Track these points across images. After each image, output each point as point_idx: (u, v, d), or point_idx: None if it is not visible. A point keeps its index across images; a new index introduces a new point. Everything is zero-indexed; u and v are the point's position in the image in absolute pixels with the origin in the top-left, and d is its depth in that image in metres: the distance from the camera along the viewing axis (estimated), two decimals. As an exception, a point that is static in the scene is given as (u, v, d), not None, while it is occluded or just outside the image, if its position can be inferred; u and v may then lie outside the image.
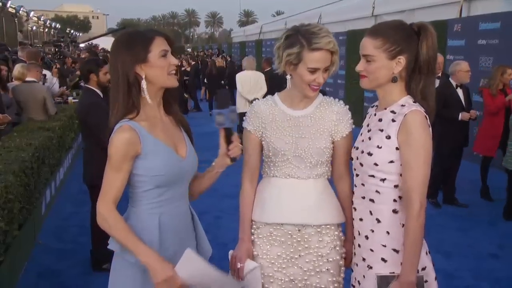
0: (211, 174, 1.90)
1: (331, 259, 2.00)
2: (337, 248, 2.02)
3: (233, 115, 1.78)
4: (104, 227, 1.68)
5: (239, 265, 2.01)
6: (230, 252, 2.10)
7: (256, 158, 2.07)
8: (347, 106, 2.03)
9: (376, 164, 1.79)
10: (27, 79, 5.95)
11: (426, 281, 1.80)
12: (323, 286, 2.00)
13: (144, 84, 1.70)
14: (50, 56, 13.68)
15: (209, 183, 1.92)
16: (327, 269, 2.00)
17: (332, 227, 2.01)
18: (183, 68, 16.17)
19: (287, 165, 1.99)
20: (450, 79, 5.41)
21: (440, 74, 5.62)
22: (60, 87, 8.73)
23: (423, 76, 1.77)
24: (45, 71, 7.44)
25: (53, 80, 8.16)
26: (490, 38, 7.62)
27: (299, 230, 2.00)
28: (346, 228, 2.06)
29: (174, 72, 1.73)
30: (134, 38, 1.71)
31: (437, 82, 5.29)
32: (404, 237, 1.74)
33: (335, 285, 2.01)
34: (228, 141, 1.82)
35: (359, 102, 10.59)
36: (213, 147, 2.00)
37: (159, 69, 1.70)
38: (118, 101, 1.70)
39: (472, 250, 4.42)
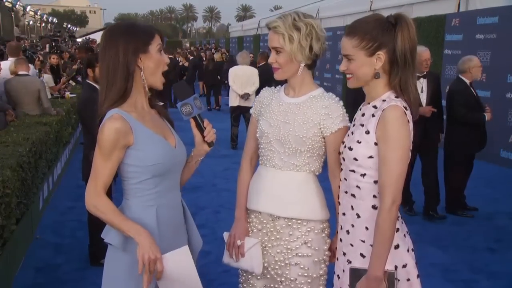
0: (191, 164, 1.91)
1: (300, 254, 2.00)
2: (309, 245, 2.00)
3: (198, 102, 1.79)
4: (95, 213, 1.69)
5: (239, 242, 2.05)
6: (225, 233, 2.14)
7: (254, 141, 2.13)
8: (341, 102, 2.00)
9: (355, 159, 1.78)
10: (19, 72, 5.91)
11: (408, 280, 1.79)
12: (292, 279, 2.01)
13: (143, 75, 1.72)
14: (37, 49, 13.70)
15: (189, 173, 1.93)
16: (296, 263, 2.00)
17: (304, 223, 2.00)
18: (180, 64, 16.15)
19: (270, 148, 2.03)
20: (461, 77, 4.96)
21: (425, 72, 4.87)
22: (60, 79, 8.81)
23: (400, 69, 1.74)
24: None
25: (35, 73, 8.12)
26: (488, 33, 7.62)
27: (272, 220, 2.04)
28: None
29: (164, 71, 1.77)
30: (137, 26, 1.74)
31: (424, 82, 4.86)
32: (374, 231, 1.73)
33: (308, 280, 2.00)
34: (201, 128, 1.83)
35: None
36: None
37: (155, 64, 1.73)
38: (115, 86, 1.68)
39: (469, 244, 4.44)
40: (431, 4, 9.98)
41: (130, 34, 1.70)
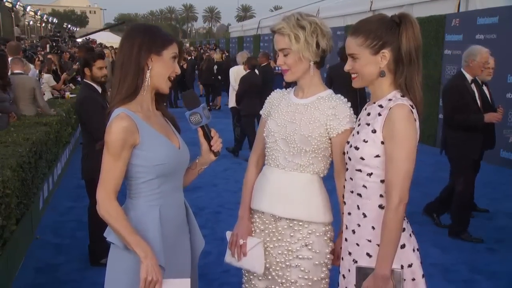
0: (194, 171, 1.92)
1: (301, 256, 1.99)
2: (310, 247, 1.99)
3: (206, 111, 1.82)
4: (105, 218, 1.67)
5: (241, 241, 2.05)
6: (228, 232, 2.14)
7: (263, 141, 2.13)
8: (349, 104, 2.00)
9: (362, 158, 1.79)
10: (14, 71, 5.91)
11: (413, 279, 1.80)
12: (292, 281, 2.00)
13: (148, 74, 1.73)
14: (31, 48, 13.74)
15: (191, 179, 1.94)
16: (296, 265, 2.00)
17: (306, 225, 2.00)
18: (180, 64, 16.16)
19: (275, 148, 2.03)
20: (462, 71, 4.65)
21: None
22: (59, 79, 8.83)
23: (405, 68, 1.75)
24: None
25: (35, 73, 8.13)
26: (488, 33, 7.62)
27: (274, 221, 2.04)
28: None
29: (172, 78, 1.79)
30: (157, 30, 1.77)
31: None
32: (381, 230, 1.73)
33: (309, 283, 1.99)
34: (208, 137, 1.85)
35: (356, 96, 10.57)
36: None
37: (165, 68, 1.75)
38: (126, 81, 1.70)
39: (469, 244, 4.43)
40: (431, 4, 9.97)
41: (149, 33, 1.73)
